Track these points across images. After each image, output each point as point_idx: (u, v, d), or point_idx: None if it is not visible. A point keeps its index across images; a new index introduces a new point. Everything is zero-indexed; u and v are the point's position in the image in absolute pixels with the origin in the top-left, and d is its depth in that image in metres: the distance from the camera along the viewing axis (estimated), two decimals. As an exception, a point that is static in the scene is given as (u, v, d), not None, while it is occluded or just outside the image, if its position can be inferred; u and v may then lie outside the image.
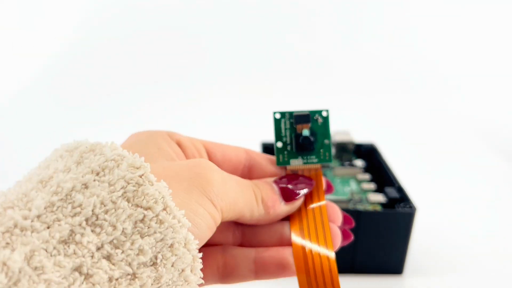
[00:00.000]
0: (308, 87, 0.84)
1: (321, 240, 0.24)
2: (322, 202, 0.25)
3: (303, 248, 0.23)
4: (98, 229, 0.17)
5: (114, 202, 0.17)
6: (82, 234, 0.16)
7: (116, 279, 0.17)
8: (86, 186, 0.17)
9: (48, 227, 0.16)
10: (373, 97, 0.81)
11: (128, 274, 0.17)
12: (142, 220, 0.18)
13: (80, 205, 0.17)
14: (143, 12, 0.91)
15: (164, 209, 0.18)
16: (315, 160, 0.26)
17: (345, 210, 0.37)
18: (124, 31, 0.89)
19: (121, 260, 0.17)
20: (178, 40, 0.89)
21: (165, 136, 0.24)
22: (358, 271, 0.38)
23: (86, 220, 0.17)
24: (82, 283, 0.16)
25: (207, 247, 0.24)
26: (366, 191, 0.41)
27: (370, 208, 0.38)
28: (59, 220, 0.16)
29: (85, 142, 0.19)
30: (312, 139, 0.25)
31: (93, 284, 0.16)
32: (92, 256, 0.16)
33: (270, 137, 0.41)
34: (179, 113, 0.74)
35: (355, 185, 0.42)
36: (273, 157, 0.26)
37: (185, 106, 0.77)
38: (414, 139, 0.69)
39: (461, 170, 0.60)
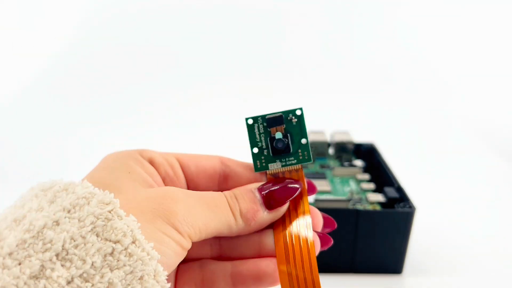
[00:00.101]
0: (308, 87, 0.84)
1: (302, 227, 0.23)
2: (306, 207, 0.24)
3: (284, 235, 0.23)
4: (68, 264, 0.17)
5: (83, 237, 0.18)
6: (52, 269, 0.17)
7: None
8: (57, 223, 0.18)
9: (19, 264, 0.17)
10: (373, 97, 0.81)
11: None
12: (111, 254, 0.18)
13: (50, 241, 0.17)
14: (143, 12, 0.91)
15: (133, 242, 0.18)
16: (294, 161, 0.25)
17: (344, 210, 0.37)
18: (124, 31, 0.89)
19: None
20: (178, 40, 0.89)
21: (137, 156, 0.24)
22: (357, 271, 0.38)
23: (57, 255, 0.17)
24: None
25: (185, 264, 0.24)
26: (365, 191, 0.41)
27: (369, 208, 0.38)
28: (30, 256, 0.17)
29: (59, 182, 0.20)
30: (286, 141, 0.25)
31: None
32: None
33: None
34: (179, 113, 0.74)
35: (354, 185, 0.42)
36: (251, 163, 0.25)
37: (185, 106, 0.78)
38: (414, 139, 0.69)
39: (460, 170, 0.60)
